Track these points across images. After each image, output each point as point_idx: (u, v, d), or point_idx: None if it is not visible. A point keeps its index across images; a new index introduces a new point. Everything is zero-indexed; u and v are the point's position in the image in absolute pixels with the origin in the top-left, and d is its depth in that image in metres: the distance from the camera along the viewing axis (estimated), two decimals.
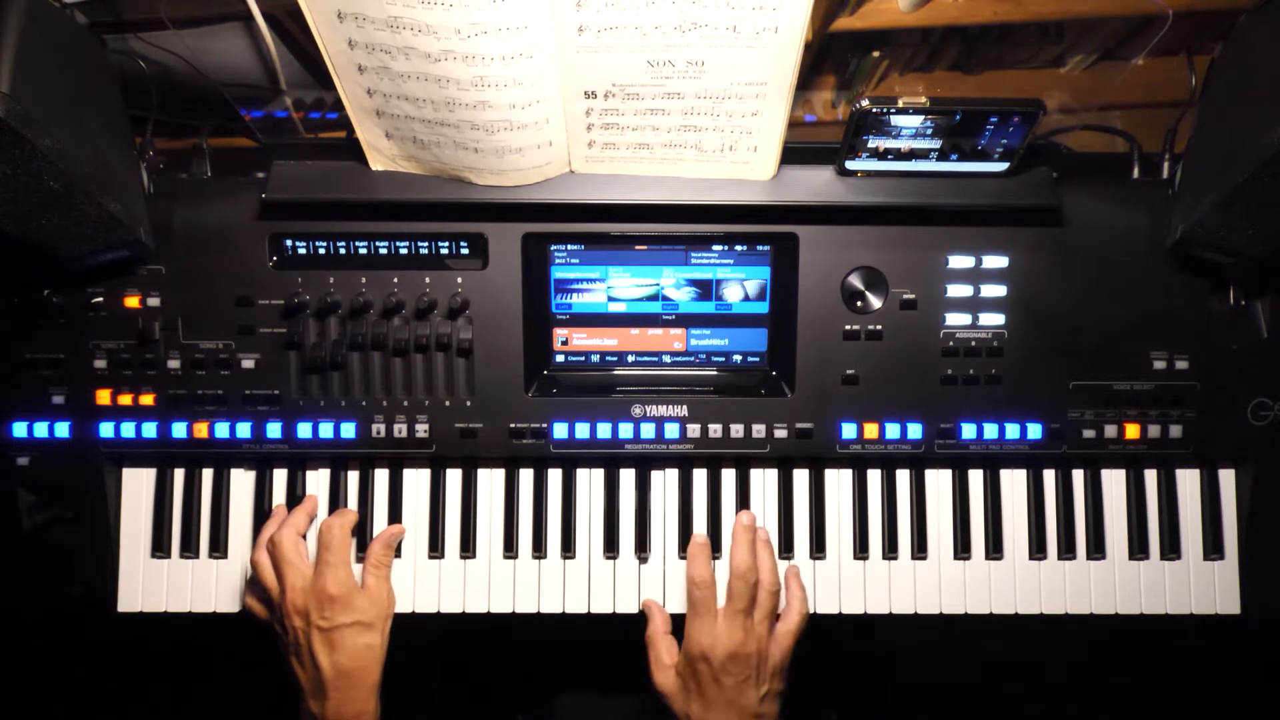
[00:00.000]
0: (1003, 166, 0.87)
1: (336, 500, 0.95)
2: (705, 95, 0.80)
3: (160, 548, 0.94)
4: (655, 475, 0.96)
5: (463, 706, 1.21)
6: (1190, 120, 0.90)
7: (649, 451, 0.92)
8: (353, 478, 0.95)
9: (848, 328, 0.91)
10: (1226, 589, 0.95)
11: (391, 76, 0.78)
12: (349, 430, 0.91)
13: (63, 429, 0.90)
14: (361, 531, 0.94)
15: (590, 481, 0.96)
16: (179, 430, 0.90)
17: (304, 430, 0.90)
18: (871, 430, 0.91)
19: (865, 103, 0.80)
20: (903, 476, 0.96)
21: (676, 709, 0.85)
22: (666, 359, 0.96)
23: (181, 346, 0.90)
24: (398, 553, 0.94)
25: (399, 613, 0.93)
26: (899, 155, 0.85)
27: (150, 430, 0.90)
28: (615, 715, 1.12)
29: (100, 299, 0.89)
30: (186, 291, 0.89)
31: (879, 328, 0.91)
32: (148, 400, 0.90)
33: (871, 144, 0.84)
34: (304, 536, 0.90)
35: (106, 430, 0.90)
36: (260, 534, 0.90)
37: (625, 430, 0.91)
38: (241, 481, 0.96)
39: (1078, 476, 0.96)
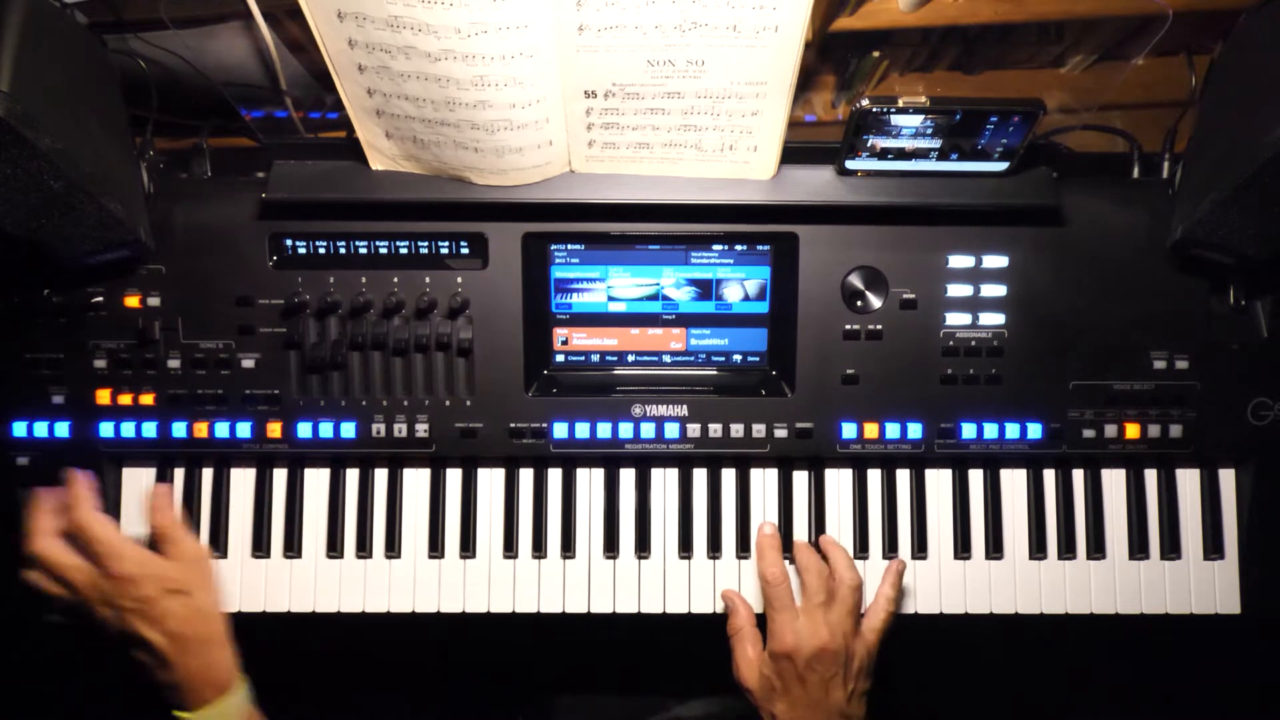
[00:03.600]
0: (1003, 166, 0.87)
1: (337, 500, 0.95)
2: (705, 95, 0.80)
3: None
4: (655, 475, 0.96)
5: (463, 706, 1.21)
6: (1190, 120, 0.90)
7: (649, 451, 0.92)
8: (352, 477, 0.95)
9: (848, 327, 0.91)
10: (1226, 589, 0.95)
11: (391, 76, 0.78)
12: (349, 430, 0.91)
13: (63, 429, 0.90)
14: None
15: (590, 481, 0.96)
16: (179, 430, 0.90)
17: (304, 430, 0.90)
18: (871, 430, 0.91)
19: (865, 102, 0.80)
20: (903, 476, 0.96)
21: (761, 707, 0.85)
22: (666, 359, 0.96)
23: (181, 346, 0.90)
24: (397, 552, 0.94)
25: (398, 612, 0.93)
26: (899, 155, 0.85)
27: (150, 430, 0.90)
28: (615, 715, 1.12)
29: (100, 299, 0.89)
30: (186, 291, 0.89)
31: (879, 328, 0.90)
32: (148, 400, 0.90)
33: (871, 144, 0.84)
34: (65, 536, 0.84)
35: (106, 430, 0.90)
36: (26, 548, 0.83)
37: (625, 430, 0.91)
38: (241, 481, 0.95)
39: (1078, 476, 0.96)
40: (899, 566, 0.91)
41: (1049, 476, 0.96)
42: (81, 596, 0.81)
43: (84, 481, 0.86)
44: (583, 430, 0.91)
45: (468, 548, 0.94)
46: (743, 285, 0.94)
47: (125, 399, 0.90)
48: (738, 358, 0.96)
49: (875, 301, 0.91)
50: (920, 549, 0.95)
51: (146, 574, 0.81)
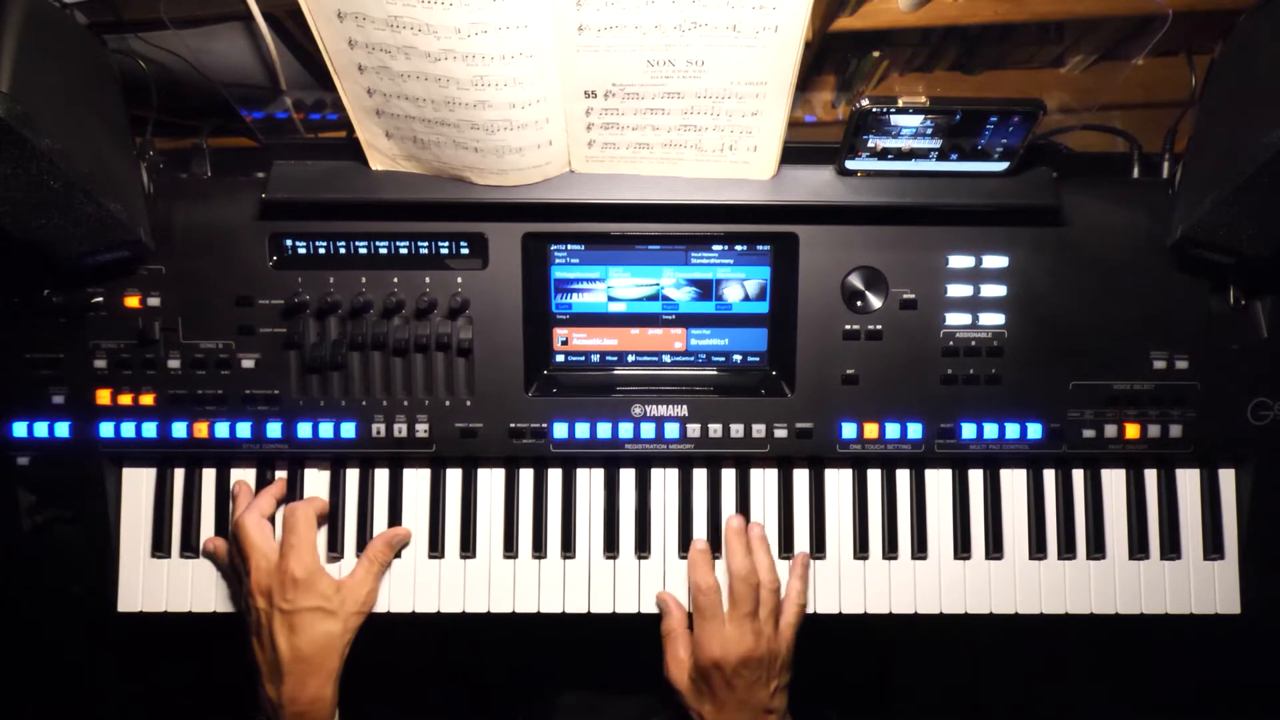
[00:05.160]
0: (1003, 166, 0.87)
1: (337, 500, 0.94)
2: (705, 95, 0.80)
3: (160, 548, 0.94)
4: (655, 475, 0.96)
5: (463, 706, 1.21)
6: (1190, 120, 0.90)
7: (649, 451, 0.92)
8: (352, 477, 0.95)
9: (848, 327, 0.91)
10: (1226, 589, 0.95)
11: (391, 76, 0.78)
12: (349, 430, 0.91)
13: (63, 429, 0.90)
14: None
15: (590, 481, 0.96)
16: (179, 430, 0.90)
17: (304, 430, 0.90)
18: (871, 430, 0.91)
19: (865, 102, 0.80)
20: (903, 476, 0.96)
21: (690, 707, 0.86)
22: (666, 359, 0.96)
23: (181, 346, 0.90)
24: (397, 554, 0.94)
25: (398, 612, 0.93)
26: (899, 155, 0.85)
27: (150, 430, 0.90)
28: (615, 715, 1.11)
29: (100, 299, 0.89)
30: (186, 291, 0.89)
31: (879, 328, 0.91)
32: (148, 400, 0.90)
33: (871, 144, 0.84)
34: (271, 519, 0.91)
35: (106, 430, 0.90)
36: (232, 515, 0.91)
37: (625, 430, 0.91)
38: None
39: (1078, 476, 0.96)
40: (803, 559, 0.93)
41: (1049, 476, 0.96)
42: (250, 578, 0.85)
43: (323, 500, 0.94)
44: (583, 430, 0.91)
45: (468, 548, 0.94)
46: (743, 285, 0.94)
47: (125, 399, 0.90)
48: (738, 358, 0.96)
49: (875, 301, 0.91)
50: (920, 549, 0.95)
51: (313, 585, 0.85)
